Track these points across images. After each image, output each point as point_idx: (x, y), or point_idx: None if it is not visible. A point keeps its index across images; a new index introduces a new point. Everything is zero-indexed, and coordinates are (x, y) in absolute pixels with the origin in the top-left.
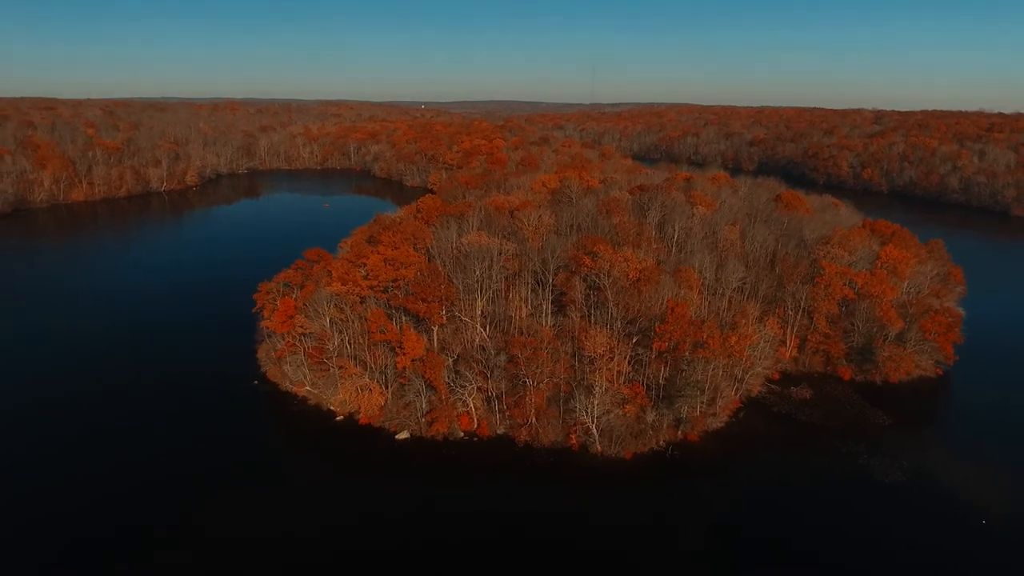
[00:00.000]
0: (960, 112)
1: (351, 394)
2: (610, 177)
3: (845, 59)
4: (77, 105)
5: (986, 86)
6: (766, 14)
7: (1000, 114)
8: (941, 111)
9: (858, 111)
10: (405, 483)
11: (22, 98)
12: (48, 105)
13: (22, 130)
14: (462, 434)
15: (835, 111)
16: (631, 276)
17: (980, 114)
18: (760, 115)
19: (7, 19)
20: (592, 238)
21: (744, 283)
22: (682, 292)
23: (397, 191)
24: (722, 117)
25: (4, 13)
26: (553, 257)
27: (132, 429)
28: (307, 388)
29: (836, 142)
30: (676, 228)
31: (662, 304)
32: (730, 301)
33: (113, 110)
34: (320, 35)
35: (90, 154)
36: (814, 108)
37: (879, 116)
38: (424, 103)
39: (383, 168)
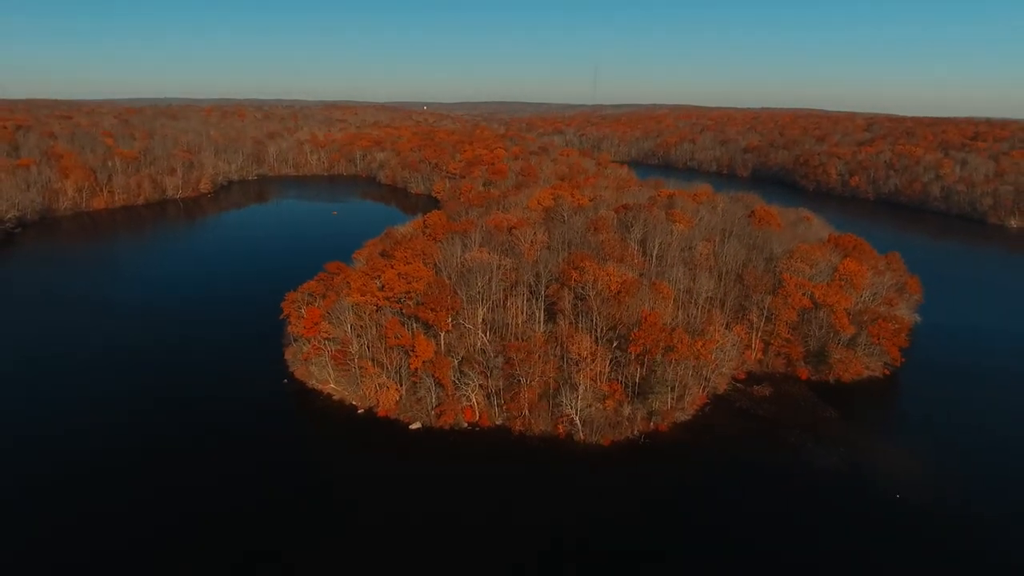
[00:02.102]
0: (949, 119)
1: (370, 391)
2: (599, 195)
3: (850, 60)
4: (91, 113)
5: (987, 87)
6: (769, 15)
7: (988, 121)
8: (931, 118)
9: (851, 117)
10: (418, 466)
11: (30, 99)
12: (65, 114)
13: (45, 140)
14: (466, 424)
15: (829, 117)
16: (613, 288)
17: (968, 121)
18: (756, 121)
19: (11, 20)
20: (580, 254)
21: (714, 293)
22: (657, 303)
23: (402, 198)
24: (719, 123)
25: (7, 13)
26: (545, 271)
27: (175, 425)
28: (331, 386)
29: (826, 150)
30: (656, 244)
31: (639, 313)
32: (700, 310)
33: (127, 118)
34: (323, 36)
35: (109, 163)
36: (811, 112)
37: (871, 122)
38: (427, 104)
39: (388, 175)
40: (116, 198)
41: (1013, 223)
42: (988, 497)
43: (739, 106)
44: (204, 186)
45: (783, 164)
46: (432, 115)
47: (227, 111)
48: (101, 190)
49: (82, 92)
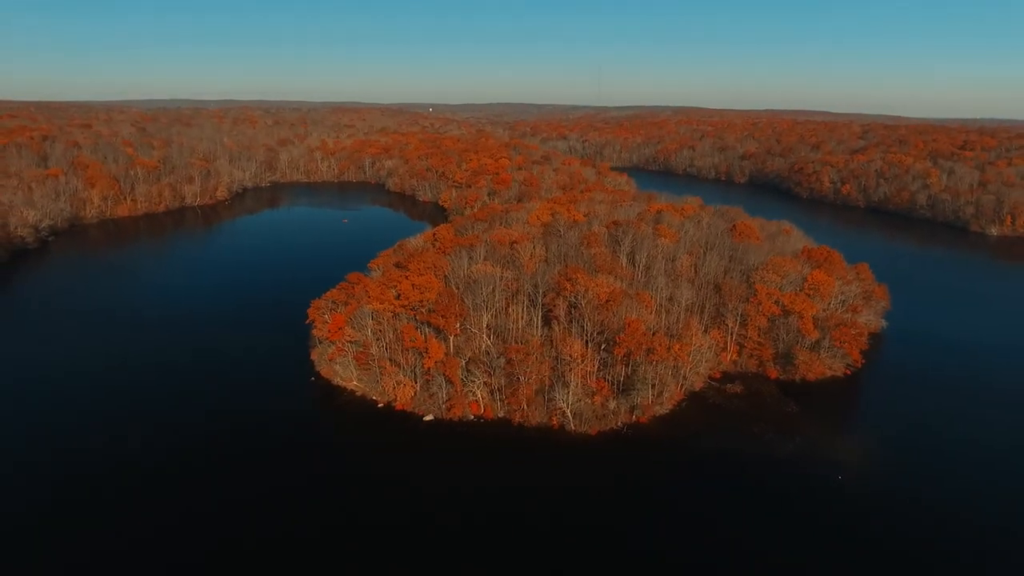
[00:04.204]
0: (941, 126)
1: (389, 387)
2: (593, 210)
3: (855, 61)
4: (109, 121)
5: (987, 89)
6: (771, 17)
7: (980, 128)
8: (926, 124)
9: (848, 124)
10: (431, 452)
11: (40, 102)
12: (85, 122)
13: (70, 150)
14: (472, 417)
15: (826, 124)
16: (602, 298)
17: (960, 129)
18: (755, 128)
19: (15, 21)
20: (573, 268)
21: (694, 301)
22: (641, 311)
23: (410, 205)
24: (719, 129)
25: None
26: (543, 282)
27: (216, 421)
28: (354, 383)
29: (820, 158)
30: (643, 257)
31: (624, 320)
32: (679, 316)
33: (144, 126)
34: (329, 37)
35: (131, 172)
36: (809, 118)
37: (867, 129)
38: (432, 105)
39: (396, 183)
40: (139, 206)
41: (993, 231)
42: (920, 482)
43: (743, 107)
44: (221, 194)
45: (779, 171)
46: (438, 119)
47: (239, 118)
48: (125, 198)
49: (87, 94)
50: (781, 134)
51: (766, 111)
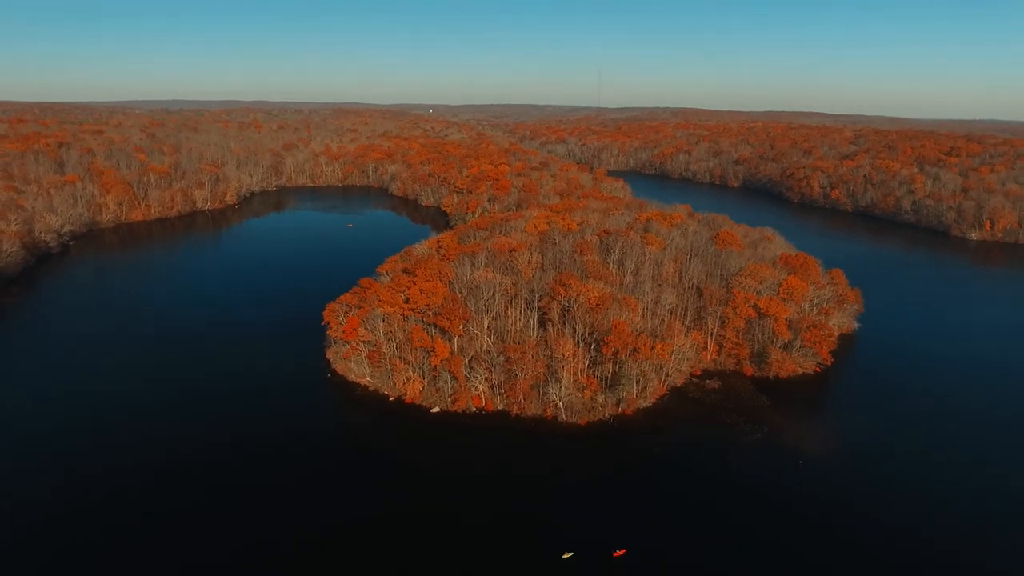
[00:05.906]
0: (930, 132)
1: (399, 382)
2: (587, 219)
3: (849, 63)
4: (119, 126)
5: (986, 91)
6: (771, 19)
7: (968, 134)
8: (915, 130)
9: (840, 130)
10: (438, 440)
11: (43, 103)
12: (96, 128)
13: (85, 157)
14: (475, 409)
15: (819, 128)
16: (592, 302)
17: (948, 134)
18: (750, 132)
19: (17, 22)
20: (567, 274)
21: (678, 305)
22: (627, 314)
23: (413, 210)
24: (714, 133)
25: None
26: (539, 287)
27: (240, 416)
28: (367, 379)
29: (812, 163)
30: (632, 263)
31: (612, 322)
32: (663, 319)
33: (152, 131)
34: (330, 37)
35: (144, 178)
36: (805, 119)
37: (858, 135)
38: (433, 106)
39: (400, 187)
40: (152, 211)
41: (974, 236)
42: (871, 468)
43: (742, 108)
44: (230, 198)
45: (771, 176)
46: (439, 122)
47: (244, 123)
48: (139, 203)
49: (87, 95)
50: (775, 139)
51: (764, 112)
